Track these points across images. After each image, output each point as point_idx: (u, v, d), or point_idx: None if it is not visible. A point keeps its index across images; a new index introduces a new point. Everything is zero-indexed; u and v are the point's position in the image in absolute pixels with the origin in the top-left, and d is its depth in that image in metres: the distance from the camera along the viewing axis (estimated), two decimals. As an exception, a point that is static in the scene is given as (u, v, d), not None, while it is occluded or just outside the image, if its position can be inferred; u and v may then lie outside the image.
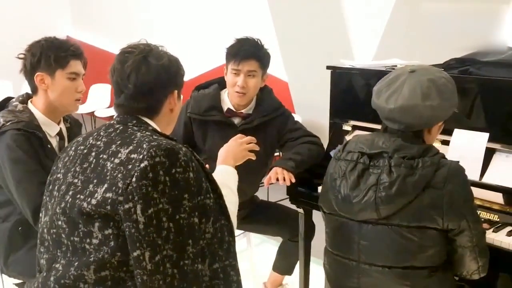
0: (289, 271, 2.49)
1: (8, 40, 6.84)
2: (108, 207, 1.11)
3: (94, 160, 1.20)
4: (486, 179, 1.71)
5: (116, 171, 1.13)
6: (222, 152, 1.58)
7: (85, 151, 1.24)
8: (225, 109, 2.17)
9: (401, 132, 1.45)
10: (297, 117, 4.26)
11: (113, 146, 1.18)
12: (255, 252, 2.65)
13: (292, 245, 2.34)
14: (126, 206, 1.08)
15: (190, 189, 1.12)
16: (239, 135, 1.68)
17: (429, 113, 1.42)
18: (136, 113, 1.26)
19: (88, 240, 1.14)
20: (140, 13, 6.05)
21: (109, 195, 1.11)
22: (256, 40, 2.13)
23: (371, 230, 1.45)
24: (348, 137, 2.15)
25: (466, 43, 2.14)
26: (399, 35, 3.40)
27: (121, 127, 1.23)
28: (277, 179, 2.00)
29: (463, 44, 2.11)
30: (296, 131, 2.24)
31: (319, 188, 2.05)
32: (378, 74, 2.09)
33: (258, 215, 2.35)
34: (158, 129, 1.27)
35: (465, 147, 1.75)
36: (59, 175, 1.27)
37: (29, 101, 1.80)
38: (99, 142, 1.23)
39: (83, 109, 6.02)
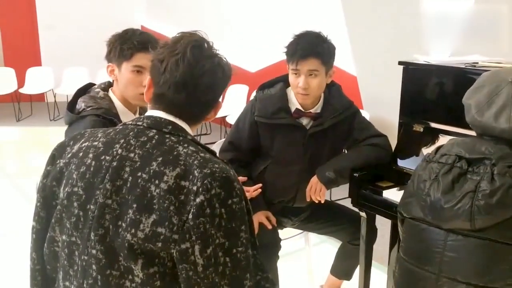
0: (347, 276, 2.39)
1: (85, 30, 7.21)
2: (160, 244, 0.99)
3: (130, 178, 1.04)
4: None
5: (167, 201, 0.99)
6: None
7: (114, 163, 1.06)
8: (292, 109, 2.05)
9: (508, 140, 1.31)
10: (365, 113, 4.11)
11: (154, 164, 1.03)
12: (313, 252, 2.57)
13: (352, 249, 2.24)
14: (183, 246, 0.98)
15: (245, 219, 1.03)
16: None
17: None
18: (176, 114, 1.11)
19: (130, 277, 1.03)
20: (211, 3, 6.10)
21: (161, 230, 0.99)
22: (315, 34, 1.98)
23: (460, 242, 1.31)
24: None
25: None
26: (479, 31, 3.15)
27: (157, 137, 1.08)
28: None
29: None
30: (362, 131, 2.11)
31: (384, 193, 1.96)
32: (457, 72, 1.93)
33: (318, 216, 2.26)
34: (192, 134, 1.15)
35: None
36: (76, 189, 1.09)
37: (110, 89, 1.83)
38: (132, 155, 1.06)
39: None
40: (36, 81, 6.73)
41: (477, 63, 1.98)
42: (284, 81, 2.11)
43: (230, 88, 5.68)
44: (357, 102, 4.38)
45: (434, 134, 1.97)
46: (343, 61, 4.54)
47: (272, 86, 2.12)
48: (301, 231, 2.41)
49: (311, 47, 1.94)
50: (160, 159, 1.04)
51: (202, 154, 1.06)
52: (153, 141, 1.07)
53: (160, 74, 1.11)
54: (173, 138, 1.08)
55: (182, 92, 1.09)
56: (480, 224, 1.27)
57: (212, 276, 0.99)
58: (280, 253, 2.11)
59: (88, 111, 1.71)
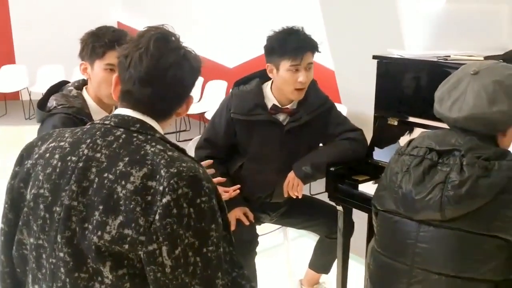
0: (325, 270, 2.40)
1: (60, 27, 7.07)
2: (127, 246, 0.97)
3: (97, 179, 1.01)
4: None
5: (133, 202, 0.97)
6: None
7: (80, 164, 1.03)
8: (269, 105, 2.06)
9: (477, 131, 1.32)
10: (343, 107, 4.13)
11: (120, 164, 1.01)
12: (291, 247, 2.58)
13: (329, 243, 2.25)
14: (150, 248, 0.96)
15: (216, 218, 1.01)
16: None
17: (499, 119, 1.29)
18: (144, 111, 1.08)
19: (99, 279, 1.00)
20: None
21: (127, 232, 0.97)
22: (300, 29, 1.99)
23: (432, 233, 1.32)
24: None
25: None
26: (455, 24, 3.19)
27: (124, 136, 1.05)
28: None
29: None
30: (338, 126, 2.12)
31: (360, 186, 1.97)
32: (430, 66, 1.95)
33: (296, 211, 2.27)
34: (161, 131, 1.12)
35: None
36: (42, 191, 1.06)
37: (84, 88, 1.79)
38: (98, 155, 1.03)
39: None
40: (10, 79, 6.60)
41: (449, 56, 2.00)
42: (259, 76, 2.10)
43: (209, 84, 5.64)
44: (334, 97, 4.40)
45: (408, 127, 1.99)
46: (320, 55, 4.55)
47: (247, 82, 2.12)
48: (279, 226, 2.42)
49: (308, 41, 1.96)
50: (127, 159, 1.01)
51: (169, 153, 1.03)
52: (120, 141, 1.04)
53: (125, 70, 1.08)
54: (140, 137, 1.05)
55: (148, 87, 1.07)
56: (450, 214, 1.28)
57: (182, 276, 0.98)
58: (258, 249, 2.11)
59: (59, 109, 1.68)
